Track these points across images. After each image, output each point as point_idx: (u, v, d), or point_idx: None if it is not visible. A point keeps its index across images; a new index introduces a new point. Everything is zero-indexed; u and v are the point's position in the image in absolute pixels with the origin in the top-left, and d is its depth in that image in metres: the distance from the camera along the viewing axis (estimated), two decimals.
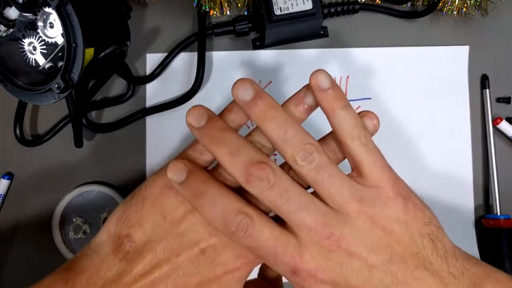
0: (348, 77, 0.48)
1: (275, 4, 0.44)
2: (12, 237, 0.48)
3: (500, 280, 0.29)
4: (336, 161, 0.32)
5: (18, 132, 0.47)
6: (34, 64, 0.41)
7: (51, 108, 0.47)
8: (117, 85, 0.49)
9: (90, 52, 0.39)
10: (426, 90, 0.48)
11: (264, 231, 0.28)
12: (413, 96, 0.48)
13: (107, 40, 0.42)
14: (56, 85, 0.38)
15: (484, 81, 0.47)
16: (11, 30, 0.41)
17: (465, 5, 0.45)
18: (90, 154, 0.48)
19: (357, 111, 0.47)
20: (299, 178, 0.30)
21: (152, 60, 0.48)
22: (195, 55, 0.48)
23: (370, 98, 0.48)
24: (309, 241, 0.28)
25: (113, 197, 0.47)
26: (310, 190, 0.30)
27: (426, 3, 0.47)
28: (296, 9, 0.44)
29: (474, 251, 0.46)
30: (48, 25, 0.40)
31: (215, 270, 0.29)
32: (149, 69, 0.48)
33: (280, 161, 0.47)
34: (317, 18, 0.45)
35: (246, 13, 0.48)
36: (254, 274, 0.46)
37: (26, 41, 0.41)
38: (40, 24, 0.40)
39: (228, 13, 0.46)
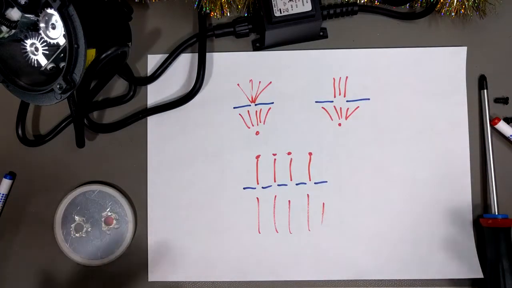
0: (347, 77, 0.48)
1: (274, 6, 0.44)
2: (14, 236, 0.48)
3: None
4: None
5: (20, 132, 0.48)
6: (36, 65, 0.42)
7: (53, 108, 0.48)
8: (118, 86, 0.49)
9: (91, 53, 0.40)
10: (424, 91, 0.48)
11: None
12: (411, 96, 0.48)
13: (108, 41, 0.42)
14: (58, 86, 0.38)
15: (482, 82, 0.48)
16: (13, 31, 0.41)
17: (463, 6, 0.46)
18: (92, 154, 0.48)
19: (356, 111, 0.48)
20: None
21: (153, 61, 0.49)
22: (195, 56, 0.48)
23: (369, 99, 0.48)
24: None
25: (114, 197, 0.47)
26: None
27: (424, 4, 0.48)
28: (296, 10, 0.44)
29: (472, 250, 0.46)
30: (50, 26, 0.40)
31: None
32: (150, 70, 0.49)
33: (281, 160, 0.48)
34: (316, 20, 0.45)
35: (246, 15, 0.48)
36: (254, 275, 0.47)
37: (28, 42, 0.41)
38: (42, 25, 0.40)
39: (228, 14, 0.47)
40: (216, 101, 0.48)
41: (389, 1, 0.48)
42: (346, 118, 0.48)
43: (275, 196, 0.48)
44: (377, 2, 0.48)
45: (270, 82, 0.49)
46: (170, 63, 0.48)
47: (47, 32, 0.40)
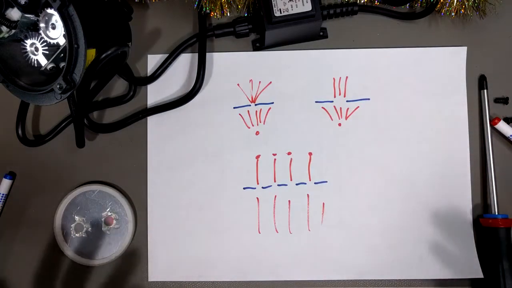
0: (347, 77, 0.48)
1: (274, 6, 0.44)
2: (14, 236, 0.48)
3: None
4: None
5: (20, 132, 0.48)
6: (36, 65, 0.42)
7: (53, 108, 0.48)
8: (118, 86, 0.49)
9: (91, 53, 0.40)
10: (424, 91, 0.48)
11: None
12: (411, 96, 0.48)
13: (108, 41, 0.42)
14: (58, 86, 0.38)
15: (482, 82, 0.48)
16: (13, 31, 0.41)
17: (463, 6, 0.46)
18: (92, 154, 0.48)
19: (356, 111, 0.48)
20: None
21: (153, 61, 0.49)
22: (195, 56, 0.48)
23: (369, 99, 0.48)
24: None
25: (114, 197, 0.47)
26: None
27: (424, 4, 0.48)
28: (296, 10, 0.44)
29: (472, 250, 0.46)
30: (50, 26, 0.40)
31: None
32: (150, 70, 0.49)
33: (281, 160, 0.48)
34: (316, 20, 0.45)
35: (246, 15, 0.48)
36: (254, 275, 0.47)
37: (28, 42, 0.41)
38: (42, 25, 0.40)
39: (228, 14, 0.47)
40: (216, 101, 0.48)
41: (389, 1, 0.48)
42: (346, 118, 0.48)
43: (275, 196, 0.48)
44: (377, 2, 0.48)
45: (270, 82, 0.49)
46: (170, 63, 0.48)
47: (47, 32, 0.40)
